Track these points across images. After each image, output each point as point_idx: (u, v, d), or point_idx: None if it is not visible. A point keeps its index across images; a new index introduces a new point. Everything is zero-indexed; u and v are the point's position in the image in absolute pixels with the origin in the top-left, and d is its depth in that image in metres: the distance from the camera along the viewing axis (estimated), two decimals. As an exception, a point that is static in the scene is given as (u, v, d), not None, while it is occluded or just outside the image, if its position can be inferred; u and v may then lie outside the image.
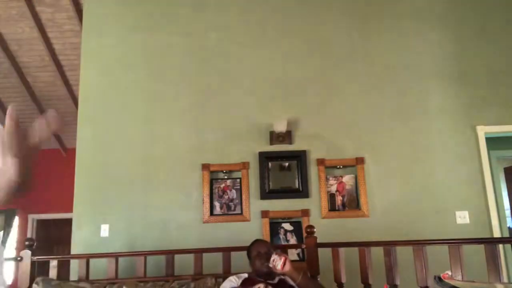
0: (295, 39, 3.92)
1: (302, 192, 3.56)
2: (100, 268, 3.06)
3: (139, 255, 2.94)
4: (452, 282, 1.56)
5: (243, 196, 3.56)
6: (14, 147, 0.73)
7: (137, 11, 3.98)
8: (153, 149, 3.68)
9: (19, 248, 6.60)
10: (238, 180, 3.61)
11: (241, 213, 3.54)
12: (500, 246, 2.73)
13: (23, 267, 2.81)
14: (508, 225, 5.32)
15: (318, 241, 2.84)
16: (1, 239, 6.92)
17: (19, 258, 2.81)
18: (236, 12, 3.98)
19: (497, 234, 3.46)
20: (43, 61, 5.94)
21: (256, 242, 2.57)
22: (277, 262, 2.24)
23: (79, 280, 2.82)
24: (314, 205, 3.55)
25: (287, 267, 2.24)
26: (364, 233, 3.37)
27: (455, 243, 2.17)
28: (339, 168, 3.66)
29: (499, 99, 3.78)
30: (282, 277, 2.46)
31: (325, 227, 3.39)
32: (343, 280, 2.64)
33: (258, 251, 2.45)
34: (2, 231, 6.88)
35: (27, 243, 2.86)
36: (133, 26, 3.95)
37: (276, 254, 2.29)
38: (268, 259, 2.36)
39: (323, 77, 3.84)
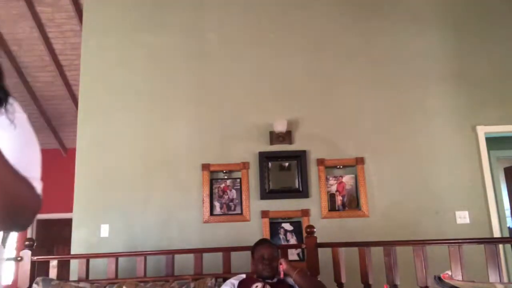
0: (295, 39, 3.92)
1: (302, 192, 3.56)
2: (100, 268, 3.06)
3: (139, 255, 2.94)
4: (452, 282, 1.56)
5: (243, 196, 3.56)
6: None
7: (137, 11, 3.98)
8: (153, 149, 3.68)
9: (19, 248, 6.59)
10: (238, 180, 3.61)
11: (241, 213, 3.54)
12: (500, 246, 2.73)
13: (23, 267, 2.81)
14: (508, 225, 5.32)
15: (318, 241, 2.84)
16: (1, 239, 6.89)
17: (19, 258, 2.81)
18: (235, 12, 3.98)
19: (497, 234, 3.46)
20: (43, 61, 5.94)
21: (262, 244, 2.56)
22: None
23: (79, 280, 2.82)
24: (314, 205, 3.55)
25: (284, 267, 2.42)
26: (364, 233, 3.37)
27: (455, 243, 2.17)
28: (339, 168, 3.66)
29: (499, 99, 3.78)
30: (281, 277, 2.47)
31: (325, 227, 3.39)
32: (343, 280, 2.64)
33: (261, 255, 2.44)
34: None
35: (27, 243, 2.86)
36: (133, 26, 3.95)
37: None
38: (270, 264, 2.39)
39: (323, 77, 3.84)
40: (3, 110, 0.90)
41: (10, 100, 0.94)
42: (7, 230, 0.84)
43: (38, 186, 0.85)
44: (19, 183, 0.77)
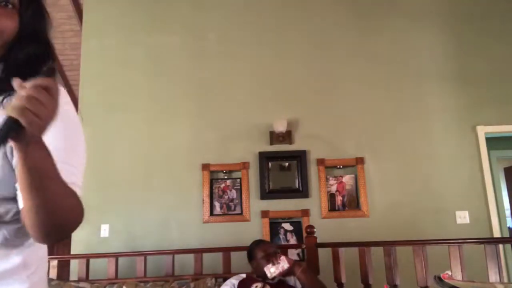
0: (295, 38, 3.92)
1: (302, 192, 3.56)
2: (100, 268, 3.06)
3: (139, 255, 2.94)
4: (452, 282, 1.56)
5: (243, 196, 3.56)
6: None
7: (137, 11, 3.98)
8: (153, 149, 3.68)
9: (19, 248, 6.57)
10: (238, 180, 3.61)
11: (241, 213, 3.54)
12: (500, 246, 2.73)
13: (23, 267, 2.80)
14: (508, 225, 5.32)
15: (318, 241, 2.84)
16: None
17: (19, 258, 2.81)
18: (235, 12, 3.98)
19: (497, 234, 3.46)
20: (43, 61, 5.94)
21: (260, 243, 2.56)
22: (284, 264, 2.32)
23: (79, 280, 2.82)
24: (314, 205, 3.55)
25: (291, 262, 2.33)
26: (364, 233, 3.37)
27: (455, 243, 2.17)
28: (339, 168, 3.66)
29: (499, 99, 3.78)
30: (282, 277, 2.47)
31: (325, 227, 3.38)
32: (343, 280, 2.64)
33: (265, 251, 2.44)
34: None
35: (27, 243, 2.86)
36: (133, 26, 3.94)
37: (277, 262, 2.35)
38: (275, 259, 2.38)
39: (323, 77, 3.84)
40: None
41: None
42: (44, 242, 0.74)
43: (80, 194, 0.75)
44: (64, 194, 0.69)
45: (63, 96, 0.81)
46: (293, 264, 2.34)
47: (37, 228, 0.69)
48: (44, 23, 0.87)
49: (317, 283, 2.36)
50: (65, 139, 0.80)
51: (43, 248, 0.86)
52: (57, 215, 0.68)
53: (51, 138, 0.72)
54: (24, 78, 0.73)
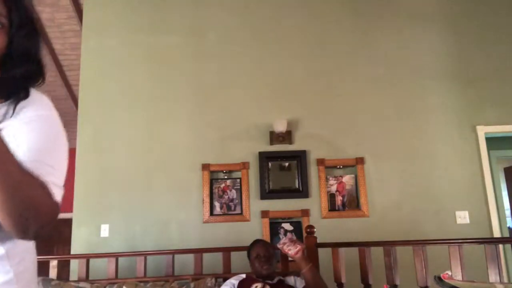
0: (295, 38, 3.92)
1: (302, 192, 3.56)
2: (100, 268, 3.06)
3: (139, 255, 2.94)
4: (452, 282, 1.56)
5: (243, 196, 3.56)
6: None
7: (137, 11, 3.98)
8: (153, 149, 3.68)
9: (19, 248, 6.57)
10: (238, 180, 3.61)
11: (241, 213, 3.54)
12: (500, 246, 2.73)
13: (23, 267, 2.80)
14: (508, 225, 5.32)
15: (318, 241, 2.84)
16: None
17: (19, 258, 2.80)
18: (236, 12, 3.98)
19: (497, 234, 3.46)
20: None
21: (256, 243, 2.57)
22: (291, 248, 2.35)
23: (79, 280, 2.82)
24: (314, 205, 3.55)
25: (299, 254, 2.33)
26: (364, 233, 3.37)
27: (455, 243, 2.17)
28: (339, 168, 3.66)
29: (499, 99, 3.78)
30: (282, 278, 2.47)
31: (325, 227, 3.38)
32: (343, 280, 2.63)
33: (257, 253, 2.45)
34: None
35: (27, 243, 2.86)
36: (133, 26, 3.94)
37: (292, 241, 2.40)
38: (267, 262, 2.39)
39: (323, 77, 3.84)
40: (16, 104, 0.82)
41: (34, 95, 0.87)
42: (19, 237, 0.75)
43: (56, 192, 0.77)
44: (28, 184, 0.70)
45: (46, 102, 0.90)
46: (301, 259, 2.33)
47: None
48: (36, 43, 0.90)
49: (321, 283, 2.36)
50: (41, 141, 0.82)
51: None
52: (16, 204, 0.68)
53: (28, 138, 0.79)
54: (14, 94, 0.81)
